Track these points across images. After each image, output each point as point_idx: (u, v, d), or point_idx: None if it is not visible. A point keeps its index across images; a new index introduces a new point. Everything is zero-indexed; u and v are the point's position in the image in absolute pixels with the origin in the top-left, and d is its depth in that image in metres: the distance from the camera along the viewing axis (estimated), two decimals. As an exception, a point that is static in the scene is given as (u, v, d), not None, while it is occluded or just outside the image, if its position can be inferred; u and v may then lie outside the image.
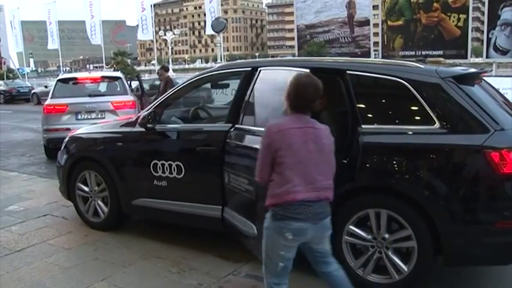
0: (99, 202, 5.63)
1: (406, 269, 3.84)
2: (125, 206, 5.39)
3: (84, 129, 6.24)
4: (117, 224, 5.65)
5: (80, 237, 5.52)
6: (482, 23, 21.53)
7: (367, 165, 3.98)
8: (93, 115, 10.20)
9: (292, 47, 70.38)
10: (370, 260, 3.98)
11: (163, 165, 4.92)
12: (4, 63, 42.39)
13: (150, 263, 4.72)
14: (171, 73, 13.33)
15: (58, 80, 11.33)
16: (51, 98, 10.61)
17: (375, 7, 28.64)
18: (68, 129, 8.51)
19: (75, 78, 11.54)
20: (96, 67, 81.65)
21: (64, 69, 52.96)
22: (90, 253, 5.03)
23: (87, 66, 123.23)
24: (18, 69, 48.92)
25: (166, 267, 4.62)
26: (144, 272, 4.56)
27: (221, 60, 28.22)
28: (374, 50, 27.39)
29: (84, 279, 4.44)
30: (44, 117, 10.50)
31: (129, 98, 10.83)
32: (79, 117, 10.22)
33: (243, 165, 4.22)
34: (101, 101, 10.42)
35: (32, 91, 31.35)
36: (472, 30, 22.76)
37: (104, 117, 10.00)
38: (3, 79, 38.28)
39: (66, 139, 6.10)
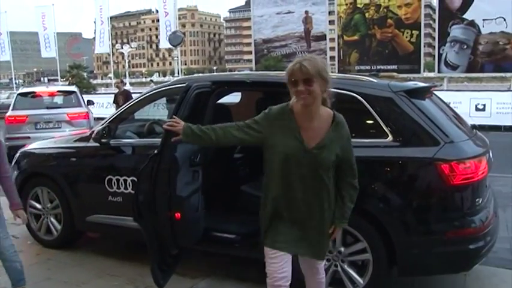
0: (52, 219, 5.48)
1: (361, 281, 3.88)
2: (79, 223, 5.26)
3: (36, 144, 6.07)
4: (70, 241, 5.50)
5: (31, 256, 5.35)
6: (434, 39, 22.25)
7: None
8: (51, 125, 11.64)
9: (249, 60, 70.56)
10: (326, 273, 4.00)
11: (118, 180, 4.84)
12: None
13: (105, 281, 4.62)
14: (127, 86, 13.68)
15: (18, 94, 12.70)
16: (12, 109, 11.83)
17: (331, 22, 29.17)
18: (28, 138, 10.21)
19: (33, 92, 12.85)
20: (50, 80, 79.98)
21: (17, 82, 51.68)
22: (43, 272, 4.87)
23: (42, 79, 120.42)
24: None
25: (122, 285, 4.53)
26: (98, 290, 4.45)
27: (178, 74, 28.11)
28: (331, 65, 27.83)
29: (36, 299, 4.31)
30: (6, 127, 11.65)
31: (83, 109, 12.24)
32: (38, 126, 11.50)
33: None
34: (58, 113, 11.91)
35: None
36: (424, 46, 23.48)
37: (61, 127, 11.49)
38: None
39: (17, 154, 5.93)
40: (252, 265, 4.60)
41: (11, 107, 12.06)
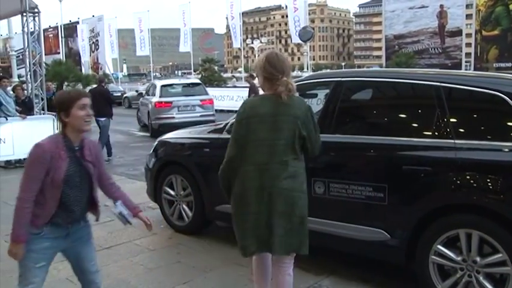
0: (184, 206, 5.76)
1: (499, 296, 3.60)
2: (209, 212, 5.46)
3: (172, 133, 6.40)
4: (200, 228, 5.75)
5: (164, 239, 5.68)
6: None
7: (459, 182, 3.79)
8: (188, 108, 15.74)
9: (379, 57, 68.92)
10: (458, 283, 3.77)
11: (247, 172, 4.95)
12: (101, 69, 44.86)
13: (231, 270, 4.76)
14: (256, 80, 14.51)
15: (162, 86, 16.51)
16: (159, 97, 15.86)
17: (468, 16, 27.55)
18: (173, 117, 15.07)
19: (172, 84, 17.35)
20: (184, 73, 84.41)
21: (154, 75, 55.18)
22: (173, 256, 5.15)
23: (176, 72, 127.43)
24: (112, 74, 51.51)
25: (247, 275, 4.61)
26: (224, 278, 4.60)
27: (307, 69, 28.19)
28: (466, 62, 26.36)
29: (167, 281, 4.55)
30: (155, 109, 15.64)
31: (210, 97, 16.73)
32: (179, 109, 15.50)
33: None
34: (193, 99, 16.00)
35: (124, 95, 32.78)
36: None
37: (195, 110, 15.75)
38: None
39: (156, 143, 6.29)
40: (376, 266, 4.50)
41: (158, 95, 15.94)
